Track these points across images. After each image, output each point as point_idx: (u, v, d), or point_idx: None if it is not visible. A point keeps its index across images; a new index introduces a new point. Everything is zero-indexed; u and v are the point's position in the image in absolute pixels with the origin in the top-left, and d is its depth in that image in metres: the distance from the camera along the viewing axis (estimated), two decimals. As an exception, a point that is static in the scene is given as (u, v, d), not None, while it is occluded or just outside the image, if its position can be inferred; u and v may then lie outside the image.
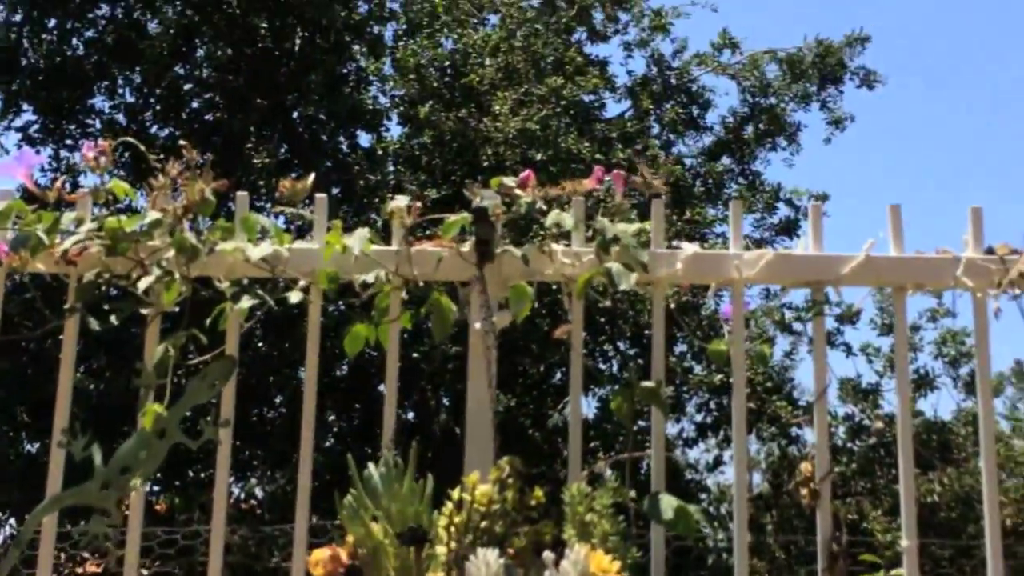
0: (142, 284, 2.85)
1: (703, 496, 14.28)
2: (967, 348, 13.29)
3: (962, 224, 3.10)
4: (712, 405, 13.53)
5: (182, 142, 3.11)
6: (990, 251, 3.02)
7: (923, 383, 13.77)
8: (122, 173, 11.42)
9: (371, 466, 2.56)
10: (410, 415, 12.77)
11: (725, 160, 15.33)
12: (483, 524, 2.48)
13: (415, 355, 11.34)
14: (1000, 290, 2.97)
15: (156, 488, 12.18)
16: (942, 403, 17.05)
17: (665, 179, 3.16)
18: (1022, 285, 2.97)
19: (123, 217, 2.93)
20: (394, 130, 14.06)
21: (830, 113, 15.61)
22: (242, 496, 13.22)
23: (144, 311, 2.90)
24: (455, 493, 2.53)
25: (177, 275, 2.88)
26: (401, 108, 13.89)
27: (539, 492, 2.55)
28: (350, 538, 2.50)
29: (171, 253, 2.88)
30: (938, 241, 3.07)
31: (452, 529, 2.47)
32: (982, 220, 3.08)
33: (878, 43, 18.92)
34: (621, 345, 13.43)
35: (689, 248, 3.07)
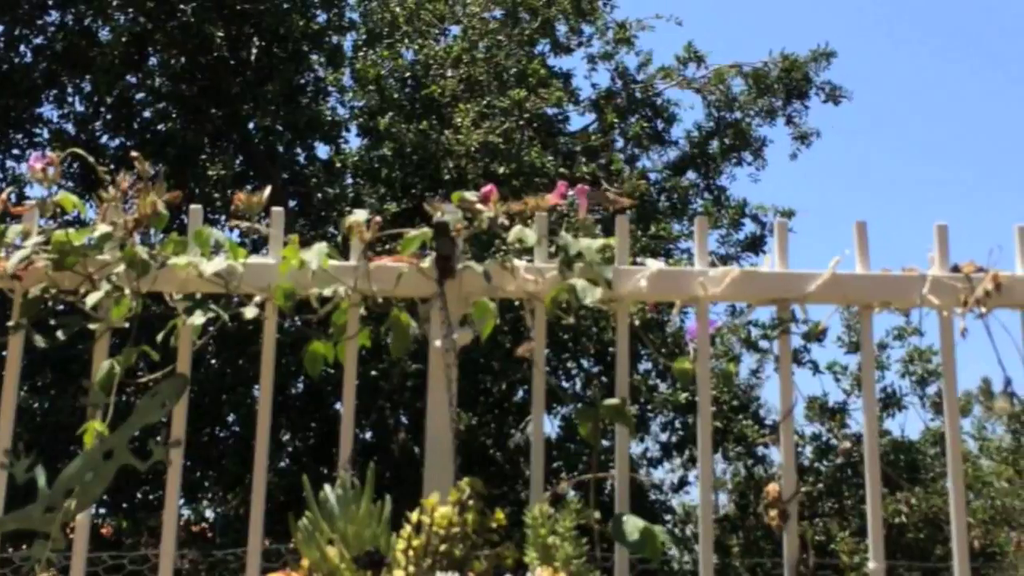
0: (90, 300, 2.77)
1: (668, 517, 14.22)
2: (934, 366, 13.32)
3: (928, 241, 3.09)
4: (677, 424, 13.48)
5: (134, 153, 3.03)
6: (956, 269, 3.02)
7: (890, 402, 13.78)
8: (71, 184, 11.27)
9: (327, 487, 2.49)
10: (368, 434, 12.63)
11: (690, 175, 15.33)
12: (442, 547, 2.41)
13: (373, 373, 11.19)
14: (966, 309, 2.95)
15: (102, 511, 11.94)
16: (910, 422, 17.10)
17: (630, 194, 3.12)
18: (988, 304, 2.95)
19: (71, 230, 2.85)
20: (353, 142, 13.99)
21: (796, 128, 15.66)
22: (192, 519, 13.02)
23: (92, 327, 2.82)
24: (414, 515, 2.47)
25: (127, 290, 2.80)
26: (360, 120, 13.80)
27: (500, 514, 2.50)
28: (305, 562, 2.42)
29: (121, 268, 2.80)
30: (905, 259, 3.06)
31: (411, 553, 2.41)
32: (947, 238, 3.06)
33: (843, 58, 19.00)
34: (585, 363, 13.37)
35: (654, 265, 3.03)
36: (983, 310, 2.96)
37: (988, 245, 3.02)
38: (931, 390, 13.75)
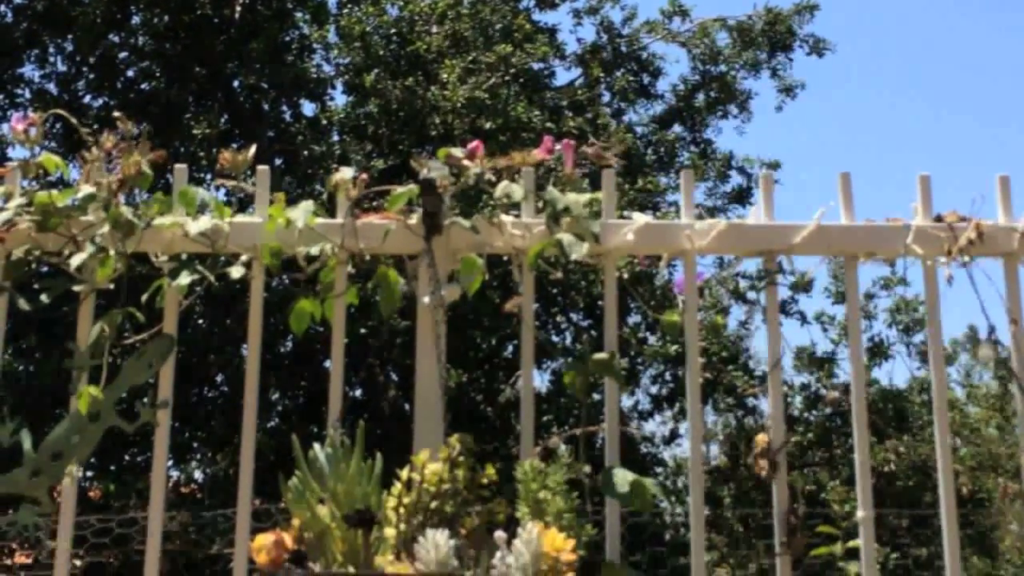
0: (75, 261, 2.75)
1: (659, 470, 14.27)
2: (920, 315, 13.35)
3: (912, 191, 3.09)
4: (667, 376, 13.52)
5: (116, 113, 3.00)
6: (939, 219, 3.05)
7: (878, 351, 13.83)
8: (54, 145, 11.14)
9: (317, 446, 2.49)
10: (358, 392, 12.60)
11: (676, 128, 15.31)
12: (433, 504, 2.42)
13: (362, 330, 11.15)
14: (950, 258, 2.98)
15: (90, 474, 11.78)
16: (897, 371, 17.16)
17: (616, 149, 3.11)
18: (971, 252, 2.97)
19: (55, 191, 2.83)
20: (339, 99, 13.84)
21: (780, 81, 15.64)
22: (181, 480, 12.96)
23: (77, 289, 2.80)
24: (404, 473, 2.47)
25: (112, 251, 2.78)
26: (346, 77, 13.69)
27: (491, 470, 2.51)
28: (295, 522, 2.43)
29: (106, 228, 2.78)
30: (890, 209, 3.07)
31: (401, 510, 2.42)
32: (930, 188, 3.08)
33: (827, 11, 18.96)
34: (574, 316, 13.37)
35: (640, 218, 3.03)
36: (966, 259, 2.98)
37: (971, 195, 3.04)
38: (918, 339, 13.79)
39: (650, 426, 14.23)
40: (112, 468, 12.09)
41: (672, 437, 14.26)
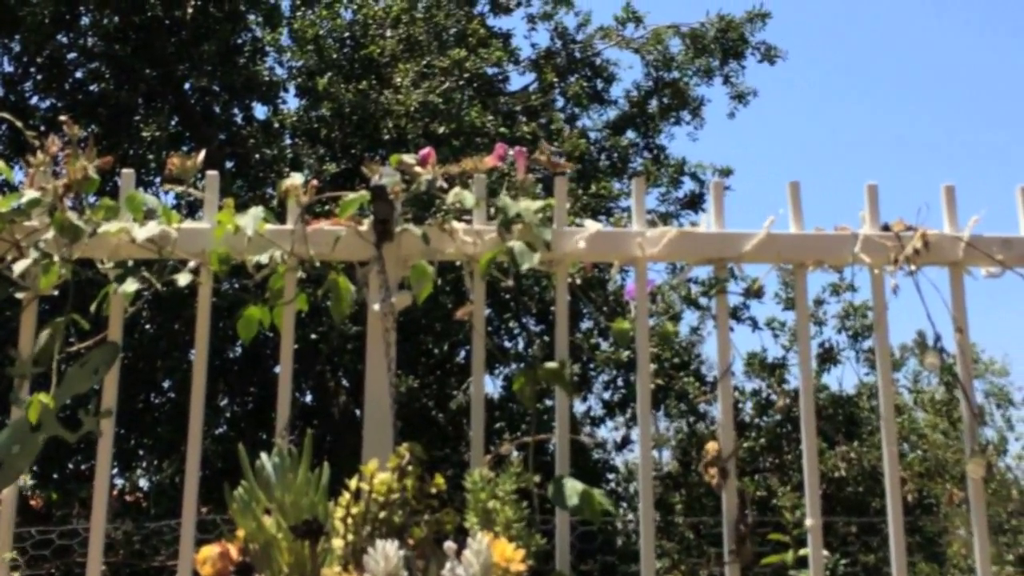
0: (17, 268, 2.71)
1: (611, 476, 14.30)
2: (870, 322, 13.44)
3: (860, 199, 3.12)
4: (620, 382, 13.53)
5: (63, 117, 2.96)
6: (886, 228, 3.07)
7: (828, 357, 13.93)
8: (-1, 148, 10.99)
9: (264, 455, 2.46)
10: (308, 398, 12.51)
11: (630, 134, 15.36)
12: (382, 514, 2.40)
13: (313, 336, 11.06)
14: (896, 266, 3.00)
15: (31, 483, 11.58)
16: (847, 376, 17.31)
17: (570, 154, 3.11)
18: (917, 261, 3.00)
19: (-2, 196, 2.78)
20: (291, 102, 13.78)
21: (733, 88, 15.73)
22: (126, 488, 12.79)
23: (19, 295, 2.75)
24: (352, 482, 2.45)
25: (56, 257, 2.74)
26: (299, 80, 13.61)
27: (440, 479, 2.48)
28: (241, 533, 2.40)
29: (50, 234, 2.74)
30: (840, 216, 3.10)
31: (349, 521, 2.39)
32: (878, 197, 3.11)
33: (778, 19, 19.09)
34: (527, 322, 13.37)
35: (592, 226, 3.03)
36: (913, 268, 3.00)
37: (917, 204, 3.07)
38: (867, 344, 13.90)
39: (602, 432, 14.25)
40: (55, 476, 11.88)
41: (624, 443, 14.29)
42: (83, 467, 11.70)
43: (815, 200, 3.26)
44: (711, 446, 2.97)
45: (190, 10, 12.33)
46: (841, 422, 13.30)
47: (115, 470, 11.64)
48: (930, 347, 3.06)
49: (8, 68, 12.86)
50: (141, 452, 12.62)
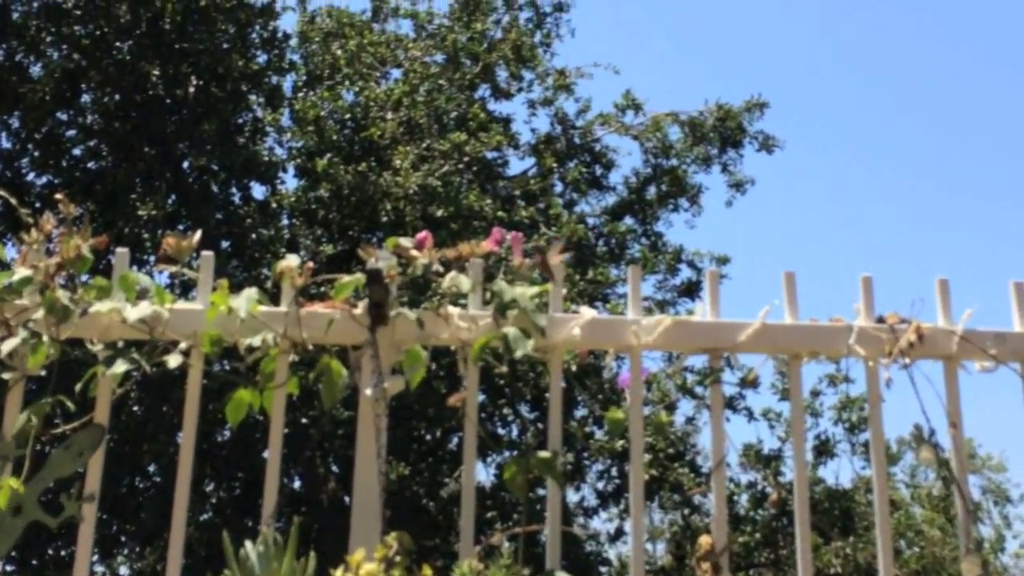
0: (6, 347, 2.67)
1: (604, 569, 14.11)
2: (866, 414, 13.31)
3: (855, 288, 3.12)
4: (614, 472, 13.42)
5: (58, 195, 2.95)
6: (881, 320, 3.06)
7: (824, 450, 13.82)
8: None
9: (248, 543, 2.41)
10: (297, 484, 12.36)
11: (628, 220, 15.42)
12: (368, 606, 2.34)
13: (304, 420, 10.94)
14: (891, 359, 2.98)
15: (9, 568, 11.28)
16: (844, 470, 17.22)
17: (567, 239, 3.10)
18: (911, 355, 2.98)
19: (-12, 274, 2.76)
20: (290, 183, 13.84)
21: (731, 176, 15.82)
22: (107, 575, 12.56)
23: (6, 376, 2.72)
24: (338, 573, 2.40)
25: (45, 337, 2.71)
26: (298, 160, 13.68)
27: (428, 571, 2.43)
28: (224, 622, 2.34)
29: (40, 313, 2.71)
30: (834, 307, 3.09)
31: (334, 612, 2.33)
32: (872, 289, 3.10)
33: (776, 109, 19.28)
34: (521, 408, 13.28)
35: (587, 313, 3.00)
36: (907, 361, 2.98)
37: (911, 297, 3.06)
38: (864, 437, 13.80)
39: (596, 523, 14.11)
40: (33, 563, 11.65)
41: (618, 535, 14.13)
42: (63, 553, 11.46)
43: (810, 290, 3.25)
44: (704, 540, 2.92)
45: (191, 89, 12.42)
46: (837, 517, 13.15)
47: (96, 557, 11.43)
48: (925, 441, 3.02)
49: (6, 144, 12.92)
50: (123, 538, 12.42)
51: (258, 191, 13.40)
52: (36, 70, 12.70)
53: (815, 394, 13.94)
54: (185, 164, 12.82)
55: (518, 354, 2.81)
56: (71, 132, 12.90)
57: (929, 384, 3.00)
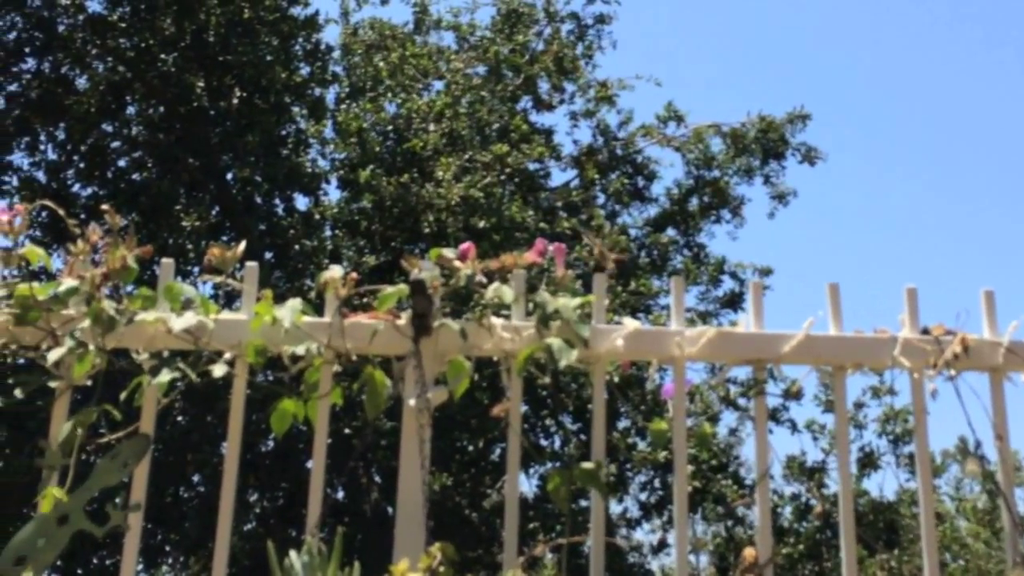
0: (52, 356, 2.68)
1: (647, 581, 14.06)
2: (911, 426, 13.24)
3: (900, 300, 3.10)
4: (657, 484, 13.37)
5: (104, 206, 2.97)
6: (926, 331, 3.04)
7: (868, 462, 13.72)
8: (38, 234, 11.01)
9: (292, 553, 2.41)
10: (340, 494, 12.38)
11: (670, 231, 15.41)
12: (411, 616, 2.34)
13: (347, 430, 10.96)
14: (936, 371, 2.96)
15: None
16: (888, 482, 17.07)
17: (610, 250, 3.09)
18: (957, 366, 2.96)
19: (36, 284, 2.78)
20: (333, 194, 13.91)
21: (773, 188, 15.78)
22: (152, 585, 12.62)
23: (53, 384, 2.74)
24: (382, 583, 2.40)
25: (91, 346, 2.72)
26: (341, 172, 13.75)
27: (471, 582, 2.43)
28: (267, 632, 2.34)
29: (86, 323, 2.73)
30: (878, 318, 3.07)
31: (378, 622, 2.33)
32: (917, 300, 3.07)
33: (819, 120, 19.21)
34: (564, 419, 13.26)
35: (630, 324, 2.99)
36: (952, 372, 2.96)
37: (956, 308, 3.04)
38: (908, 449, 13.70)
39: (638, 534, 14.06)
40: (79, 572, 11.71)
41: (661, 546, 14.08)
42: (108, 563, 11.54)
43: (854, 301, 3.23)
44: (748, 552, 2.90)
45: (235, 101, 12.51)
46: (881, 529, 13.03)
47: (140, 566, 11.48)
48: (971, 454, 3.00)
49: (52, 156, 12.99)
50: (168, 548, 12.47)
51: (301, 202, 13.49)
52: (82, 82, 12.82)
53: (859, 406, 13.84)
54: (229, 175, 12.91)
55: (562, 365, 2.80)
56: (116, 144, 12.99)
57: (975, 396, 2.98)
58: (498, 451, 12.50)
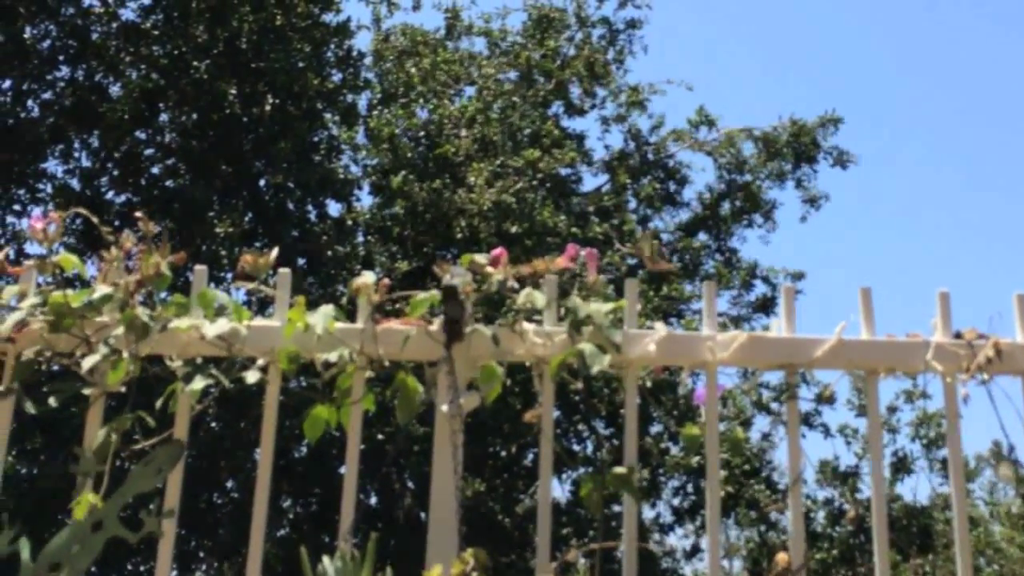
0: (86, 363, 2.70)
1: (679, 586, 14.02)
2: (944, 430, 13.13)
3: (932, 304, 3.08)
4: (689, 488, 13.34)
5: (138, 213, 2.99)
6: (958, 336, 3.01)
7: (901, 466, 13.64)
8: (72, 241, 11.09)
9: (326, 559, 2.41)
10: (373, 500, 12.40)
11: (702, 236, 15.40)
12: (444, 622, 2.34)
13: (380, 436, 10.97)
14: (968, 375, 2.94)
15: None
16: (922, 487, 16.96)
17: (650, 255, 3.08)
18: (990, 370, 2.93)
19: (70, 291, 2.79)
20: (365, 200, 13.95)
21: (805, 192, 15.72)
22: (185, 591, 12.65)
23: (87, 391, 2.75)
24: (415, 589, 2.40)
25: (125, 353, 2.74)
26: (373, 178, 13.79)
27: (504, 587, 2.43)
28: (301, 637, 2.35)
29: (120, 330, 2.74)
30: (911, 322, 3.05)
31: (410, 627, 2.33)
32: (950, 304, 3.05)
33: (850, 123, 19.12)
34: (596, 425, 13.24)
35: (662, 329, 2.98)
36: (985, 376, 2.94)
37: (989, 312, 3.02)
38: (941, 454, 13.60)
39: (671, 539, 14.03)
40: (113, 577, 11.81)
41: (694, 551, 14.05)
42: (142, 568, 11.59)
43: (887, 305, 3.22)
44: (781, 557, 2.88)
45: (268, 108, 12.55)
46: (915, 534, 12.95)
47: (174, 572, 11.50)
48: (1005, 458, 2.97)
49: (86, 163, 13.07)
50: (201, 554, 12.52)
51: (334, 208, 13.52)
52: (115, 90, 12.88)
53: (892, 410, 13.77)
54: (261, 182, 12.95)
55: (594, 370, 2.80)
56: (150, 151, 13.04)
57: (1008, 400, 2.96)
58: (530, 456, 12.50)
